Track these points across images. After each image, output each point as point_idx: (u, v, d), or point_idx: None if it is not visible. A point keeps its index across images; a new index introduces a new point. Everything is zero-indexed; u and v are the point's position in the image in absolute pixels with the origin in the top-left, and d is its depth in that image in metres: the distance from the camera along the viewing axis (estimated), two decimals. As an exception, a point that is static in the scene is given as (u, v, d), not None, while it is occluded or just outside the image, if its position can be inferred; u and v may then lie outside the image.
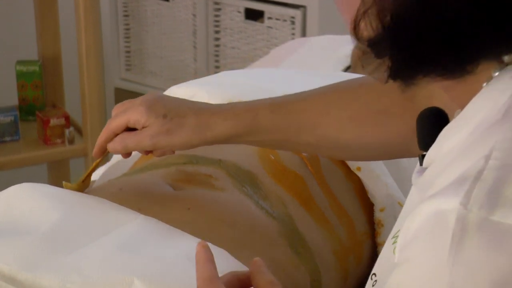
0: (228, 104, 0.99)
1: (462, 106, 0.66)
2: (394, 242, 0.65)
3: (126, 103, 0.98)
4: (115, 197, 0.98)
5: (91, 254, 0.86)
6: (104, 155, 1.01)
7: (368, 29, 0.63)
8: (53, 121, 2.34)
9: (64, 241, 0.88)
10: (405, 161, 1.11)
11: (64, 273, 0.83)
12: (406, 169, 1.11)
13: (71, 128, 2.37)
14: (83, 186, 1.03)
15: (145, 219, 0.92)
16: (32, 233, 0.89)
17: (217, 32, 2.66)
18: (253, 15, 2.56)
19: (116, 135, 0.98)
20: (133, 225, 0.90)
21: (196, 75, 2.72)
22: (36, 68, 2.42)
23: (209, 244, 0.86)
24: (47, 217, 0.91)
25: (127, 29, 2.90)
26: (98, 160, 1.02)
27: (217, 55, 2.70)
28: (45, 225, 0.90)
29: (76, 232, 0.89)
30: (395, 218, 1.06)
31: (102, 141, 0.99)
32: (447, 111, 0.72)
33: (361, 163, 1.07)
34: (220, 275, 0.74)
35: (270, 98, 0.99)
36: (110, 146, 0.99)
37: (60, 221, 0.90)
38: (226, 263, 0.85)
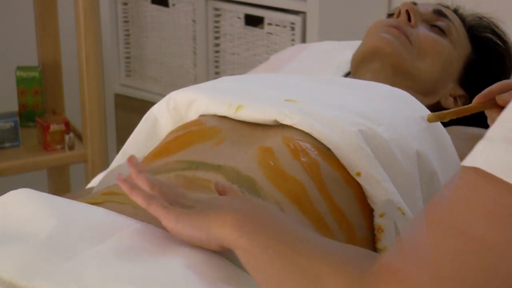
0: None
1: None
2: None
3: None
4: (113, 202, 0.98)
5: (88, 262, 0.85)
6: None
7: None
8: (53, 127, 2.34)
9: (62, 248, 0.87)
10: (406, 167, 1.10)
11: (63, 282, 0.82)
12: (407, 175, 1.10)
13: (71, 134, 2.37)
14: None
15: (142, 226, 0.91)
16: (30, 240, 0.88)
17: (217, 38, 2.66)
18: (253, 21, 2.56)
19: None
20: (130, 232, 0.90)
21: (196, 80, 2.72)
22: (36, 74, 2.42)
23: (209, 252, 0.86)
24: (44, 224, 0.91)
25: (127, 35, 2.90)
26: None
27: (217, 61, 2.70)
28: (43, 232, 0.89)
29: (73, 239, 0.89)
30: (395, 224, 1.06)
31: None
32: None
33: (361, 169, 1.06)
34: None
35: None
36: None
37: (57, 228, 0.90)
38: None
